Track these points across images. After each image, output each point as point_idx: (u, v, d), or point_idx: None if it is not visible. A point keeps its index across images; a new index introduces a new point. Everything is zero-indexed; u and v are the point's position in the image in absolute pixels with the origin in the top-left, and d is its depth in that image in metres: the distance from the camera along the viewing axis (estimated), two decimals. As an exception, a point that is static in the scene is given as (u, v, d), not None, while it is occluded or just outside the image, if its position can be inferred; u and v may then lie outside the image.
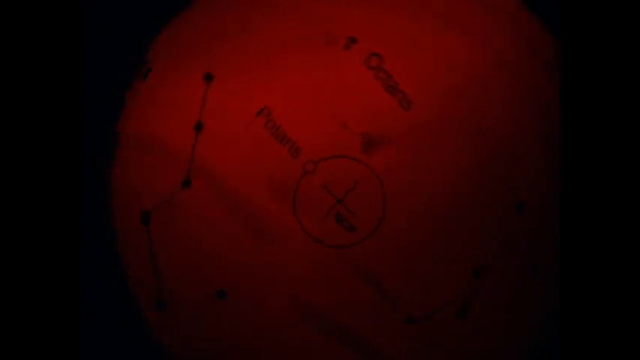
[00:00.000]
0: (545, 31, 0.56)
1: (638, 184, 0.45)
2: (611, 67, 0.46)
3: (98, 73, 0.57)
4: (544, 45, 0.55)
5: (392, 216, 0.54)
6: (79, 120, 0.48)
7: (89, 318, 0.55)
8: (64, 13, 0.47)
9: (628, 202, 0.45)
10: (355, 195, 0.55)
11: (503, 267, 0.54)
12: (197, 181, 0.54)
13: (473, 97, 0.54)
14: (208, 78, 0.54)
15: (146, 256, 0.55)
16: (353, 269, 0.55)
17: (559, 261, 0.48)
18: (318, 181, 0.55)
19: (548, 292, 0.54)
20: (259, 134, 0.54)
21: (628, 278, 0.44)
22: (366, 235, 0.55)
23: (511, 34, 0.55)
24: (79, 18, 0.49)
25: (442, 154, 0.54)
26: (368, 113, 0.54)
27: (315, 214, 0.55)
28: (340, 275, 0.55)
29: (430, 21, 0.54)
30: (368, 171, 0.55)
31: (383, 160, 0.54)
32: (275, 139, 0.54)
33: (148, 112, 0.55)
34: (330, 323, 0.55)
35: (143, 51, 0.55)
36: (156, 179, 0.55)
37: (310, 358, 0.55)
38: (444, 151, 0.54)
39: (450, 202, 0.54)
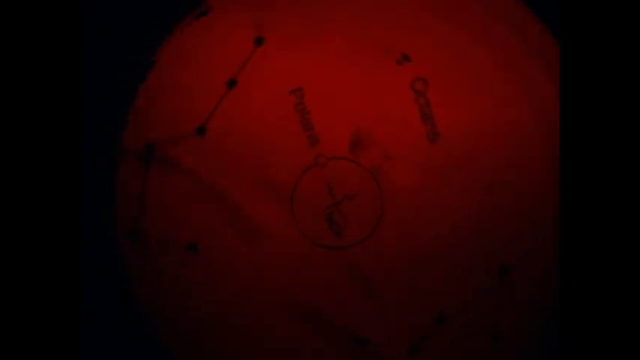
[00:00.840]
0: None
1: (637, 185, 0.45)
2: (611, 67, 0.46)
3: (98, 73, 0.57)
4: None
5: (383, 233, 0.55)
6: (79, 120, 0.48)
7: (89, 318, 0.55)
8: (64, 13, 0.47)
9: (627, 209, 0.45)
10: (352, 202, 0.55)
11: (464, 322, 0.54)
12: (210, 133, 0.54)
13: (498, 150, 0.54)
14: (258, 42, 0.54)
15: (137, 191, 0.56)
16: (337, 269, 0.55)
17: (560, 262, 0.48)
18: (323, 177, 0.55)
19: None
20: (287, 112, 0.55)
21: (626, 286, 0.44)
22: (349, 243, 0.55)
23: (548, 77, 0.55)
24: (79, 18, 0.49)
25: (449, 197, 0.54)
26: (395, 131, 0.54)
27: (311, 211, 0.55)
28: (323, 272, 0.55)
29: (483, 57, 0.54)
30: (373, 184, 0.55)
31: (390, 177, 0.55)
32: (300, 123, 0.54)
33: (190, 52, 0.55)
34: (324, 323, 0.55)
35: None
36: (173, 120, 0.55)
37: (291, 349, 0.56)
38: (451, 194, 0.54)
39: (436, 247, 0.54)
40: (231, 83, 0.55)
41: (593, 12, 0.46)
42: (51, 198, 0.46)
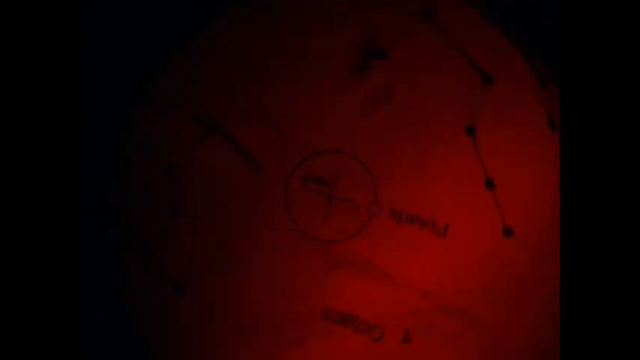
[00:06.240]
0: None
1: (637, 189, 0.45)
2: (611, 70, 0.46)
3: (98, 73, 0.57)
4: None
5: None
6: (78, 120, 0.48)
7: (89, 318, 0.55)
8: (64, 13, 0.47)
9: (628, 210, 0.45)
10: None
11: None
12: None
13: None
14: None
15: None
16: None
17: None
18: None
19: None
20: None
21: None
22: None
23: None
24: (79, 18, 0.49)
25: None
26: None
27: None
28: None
29: None
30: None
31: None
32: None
33: None
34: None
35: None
36: None
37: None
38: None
39: None
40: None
41: (593, 14, 0.46)
42: (51, 197, 0.46)
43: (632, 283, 0.44)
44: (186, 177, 0.56)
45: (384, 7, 0.56)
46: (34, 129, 0.46)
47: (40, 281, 0.46)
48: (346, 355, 0.56)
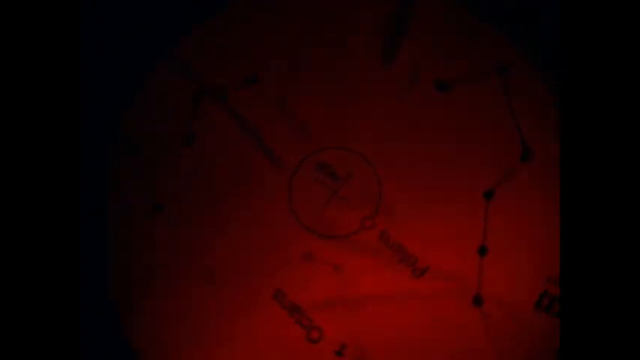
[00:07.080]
0: None
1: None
2: (612, 71, 0.46)
3: (98, 73, 0.57)
4: None
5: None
6: (78, 120, 0.48)
7: (88, 319, 0.55)
8: (64, 13, 0.47)
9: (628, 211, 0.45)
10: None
11: None
12: None
13: None
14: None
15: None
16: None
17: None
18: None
19: None
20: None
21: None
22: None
23: None
24: (79, 18, 0.49)
25: None
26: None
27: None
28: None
29: None
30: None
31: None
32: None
33: None
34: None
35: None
36: None
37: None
38: None
39: None
40: None
41: (593, 15, 0.46)
42: (50, 197, 0.46)
43: (632, 284, 0.44)
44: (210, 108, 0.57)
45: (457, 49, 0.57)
46: (34, 129, 0.46)
47: (39, 280, 0.46)
48: (276, 340, 0.56)
